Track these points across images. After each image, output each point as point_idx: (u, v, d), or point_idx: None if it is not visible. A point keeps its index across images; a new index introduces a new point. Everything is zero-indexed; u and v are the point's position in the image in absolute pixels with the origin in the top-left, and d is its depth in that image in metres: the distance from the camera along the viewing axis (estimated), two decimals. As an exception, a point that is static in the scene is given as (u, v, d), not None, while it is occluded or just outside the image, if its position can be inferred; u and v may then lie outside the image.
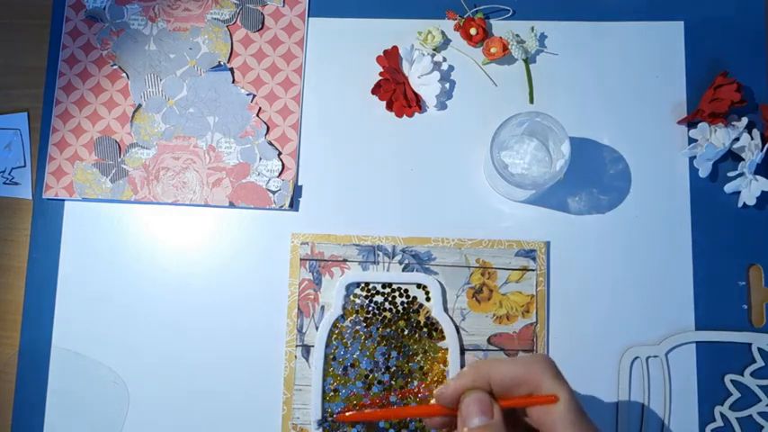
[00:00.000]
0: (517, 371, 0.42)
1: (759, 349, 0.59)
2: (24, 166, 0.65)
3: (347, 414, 0.47)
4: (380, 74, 0.64)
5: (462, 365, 0.60)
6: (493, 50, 0.63)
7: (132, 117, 0.65)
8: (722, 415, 0.59)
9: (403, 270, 0.62)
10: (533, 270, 0.61)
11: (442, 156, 0.64)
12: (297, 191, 0.63)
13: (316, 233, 0.62)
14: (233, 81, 0.65)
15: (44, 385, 0.62)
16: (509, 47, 0.63)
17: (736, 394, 0.59)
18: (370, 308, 0.61)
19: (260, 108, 0.64)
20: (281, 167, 0.63)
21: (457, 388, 0.43)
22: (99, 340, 0.62)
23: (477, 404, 0.42)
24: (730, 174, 0.61)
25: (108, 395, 0.61)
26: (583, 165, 0.62)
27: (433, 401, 0.45)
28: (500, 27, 0.65)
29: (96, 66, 0.66)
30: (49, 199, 0.64)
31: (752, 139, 0.61)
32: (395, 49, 0.65)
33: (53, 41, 0.67)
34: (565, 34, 0.65)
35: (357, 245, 0.62)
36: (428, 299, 0.61)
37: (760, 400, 0.59)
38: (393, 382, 0.60)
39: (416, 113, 0.64)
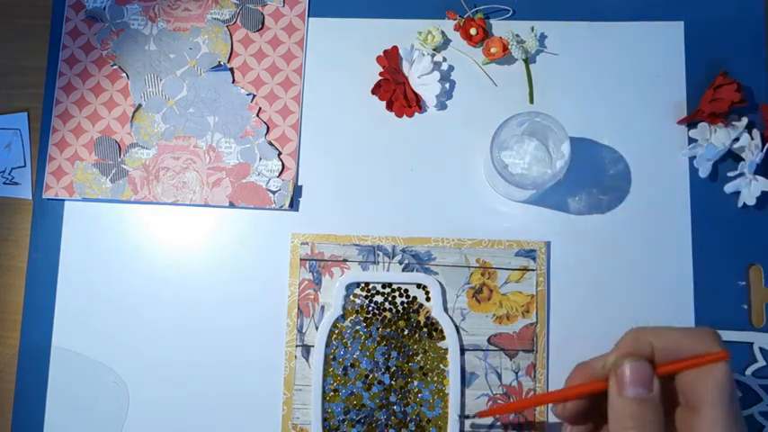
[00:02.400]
0: (683, 339, 0.39)
1: (761, 349, 0.59)
2: (24, 166, 0.65)
3: (487, 411, 0.46)
4: (380, 74, 0.64)
5: (462, 366, 0.60)
6: (493, 50, 0.63)
7: (132, 117, 0.65)
8: (722, 415, 0.59)
9: (403, 270, 0.61)
10: (533, 270, 0.61)
11: (441, 156, 0.64)
12: (297, 191, 0.63)
13: (316, 233, 0.62)
14: (233, 81, 0.65)
15: (44, 385, 0.62)
16: (509, 47, 0.63)
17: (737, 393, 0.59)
18: (370, 308, 0.61)
19: (260, 108, 0.64)
20: (281, 167, 0.63)
21: (618, 355, 0.39)
22: (99, 340, 0.62)
23: (637, 373, 0.37)
24: (730, 174, 0.61)
25: (108, 395, 0.61)
26: (583, 165, 0.62)
27: (573, 377, 0.40)
28: (500, 27, 0.65)
29: (96, 66, 0.66)
30: (49, 199, 0.64)
31: (752, 139, 0.61)
32: (395, 49, 0.65)
33: (53, 41, 0.67)
34: (565, 34, 0.65)
35: (357, 245, 0.62)
36: (428, 299, 0.61)
37: (761, 400, 0.59)
38: (393, 382, 0.60)
39: (416, 113, 0.64)
